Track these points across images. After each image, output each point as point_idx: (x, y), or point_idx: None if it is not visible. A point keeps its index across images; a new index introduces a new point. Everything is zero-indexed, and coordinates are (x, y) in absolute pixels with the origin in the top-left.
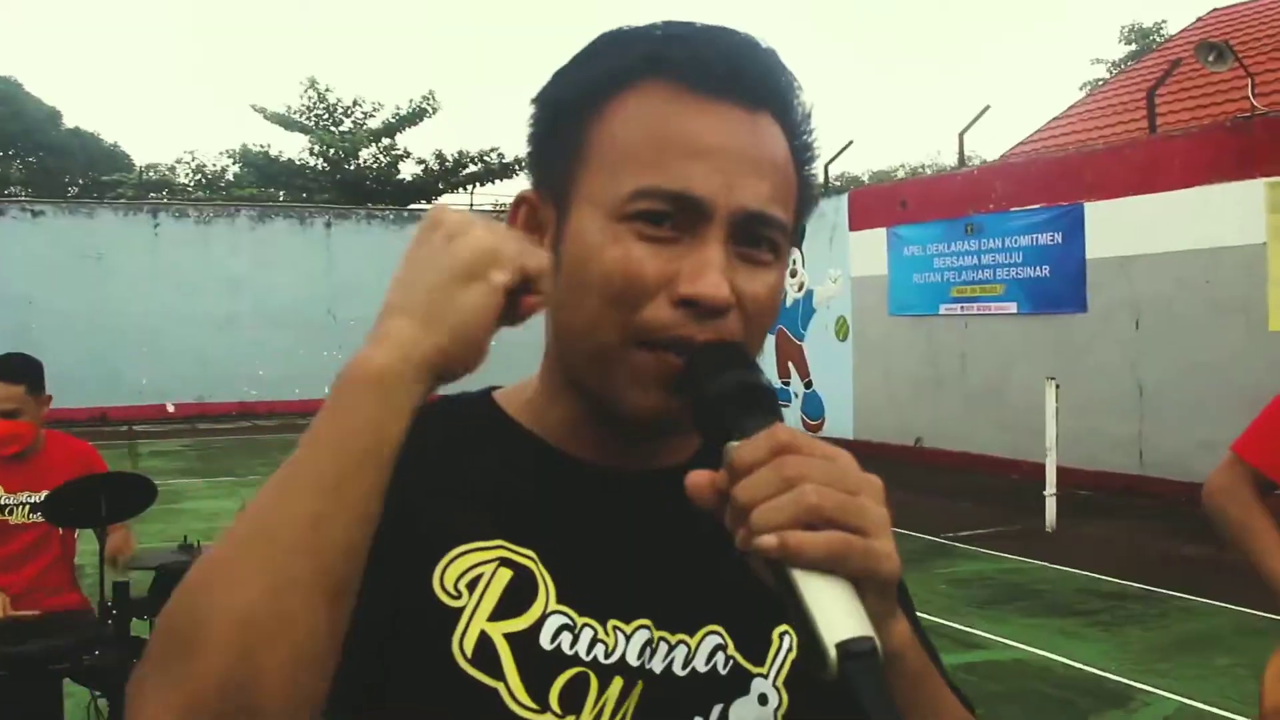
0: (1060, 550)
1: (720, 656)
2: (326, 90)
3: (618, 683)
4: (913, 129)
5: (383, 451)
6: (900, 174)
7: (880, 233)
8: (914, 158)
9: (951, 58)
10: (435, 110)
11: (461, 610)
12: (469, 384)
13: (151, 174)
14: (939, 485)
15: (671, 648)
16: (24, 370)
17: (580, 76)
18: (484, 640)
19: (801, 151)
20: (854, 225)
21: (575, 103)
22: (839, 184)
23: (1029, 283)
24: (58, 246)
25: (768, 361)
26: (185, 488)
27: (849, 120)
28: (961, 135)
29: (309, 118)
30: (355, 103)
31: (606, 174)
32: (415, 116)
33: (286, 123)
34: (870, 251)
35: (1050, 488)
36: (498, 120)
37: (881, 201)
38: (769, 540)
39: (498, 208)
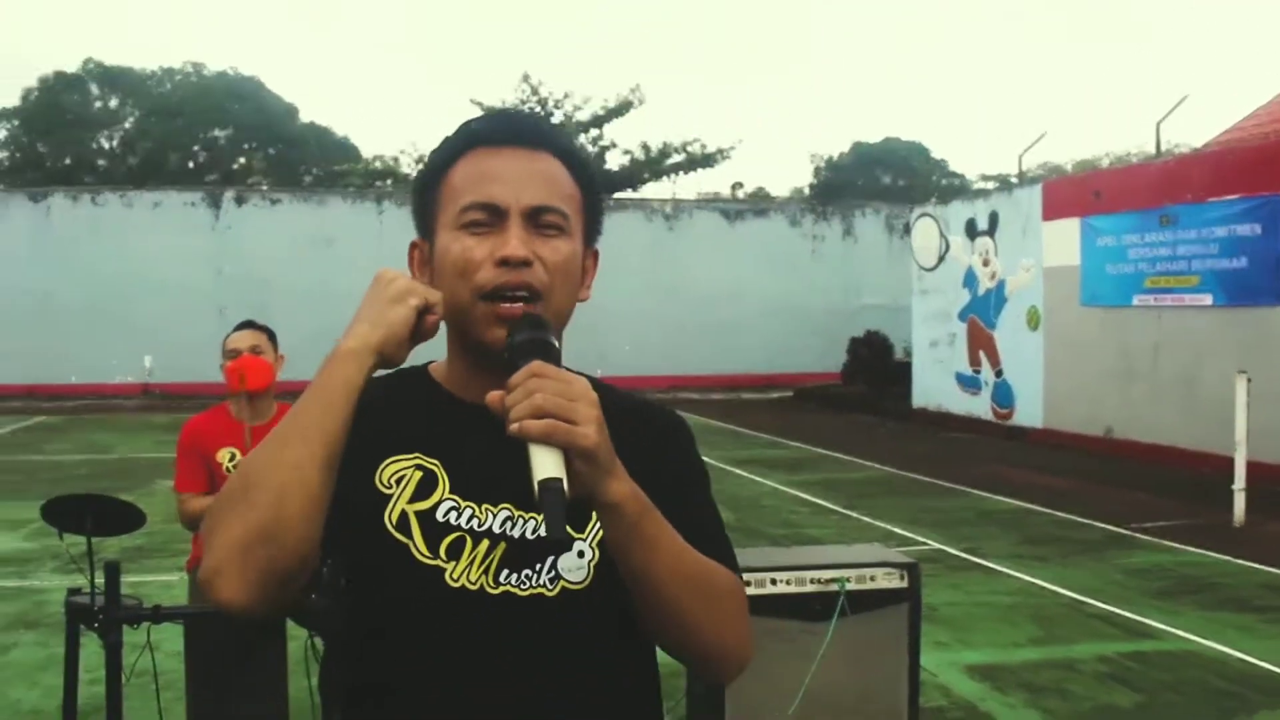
0: (1245, 546)
1: None
2: (539, 84)
3: (485, 543)
4: (1119, 116)
5: (350, 392)
6: (1105, 162)
7: (1074, 223)
8: (1119, 146)
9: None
10: (641, 102)
11: (391, 496)
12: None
13: (377, 164)
14: (1125, 476)
15: (525, 521)
16: (264, 327)
17: (434, 160)
18: (403, 515)
19: (577, 173)
20: (1047, 215)
21: (434, 176)
22: (1039, 173)
23: (1225, 274)
24: (293, 232)
25: (959, 350)
26: None
27: (1051, 107)
28: (1159, 125)
29: (523, 110)
30: (565, 96)
31: (449, 206)
32: (622, 109)
33: None
34: (1063, 242)
35: (1239, 482)
36: (700, 111)
37: (1075, 192)
38: (513, 427)
39: (701, 195)
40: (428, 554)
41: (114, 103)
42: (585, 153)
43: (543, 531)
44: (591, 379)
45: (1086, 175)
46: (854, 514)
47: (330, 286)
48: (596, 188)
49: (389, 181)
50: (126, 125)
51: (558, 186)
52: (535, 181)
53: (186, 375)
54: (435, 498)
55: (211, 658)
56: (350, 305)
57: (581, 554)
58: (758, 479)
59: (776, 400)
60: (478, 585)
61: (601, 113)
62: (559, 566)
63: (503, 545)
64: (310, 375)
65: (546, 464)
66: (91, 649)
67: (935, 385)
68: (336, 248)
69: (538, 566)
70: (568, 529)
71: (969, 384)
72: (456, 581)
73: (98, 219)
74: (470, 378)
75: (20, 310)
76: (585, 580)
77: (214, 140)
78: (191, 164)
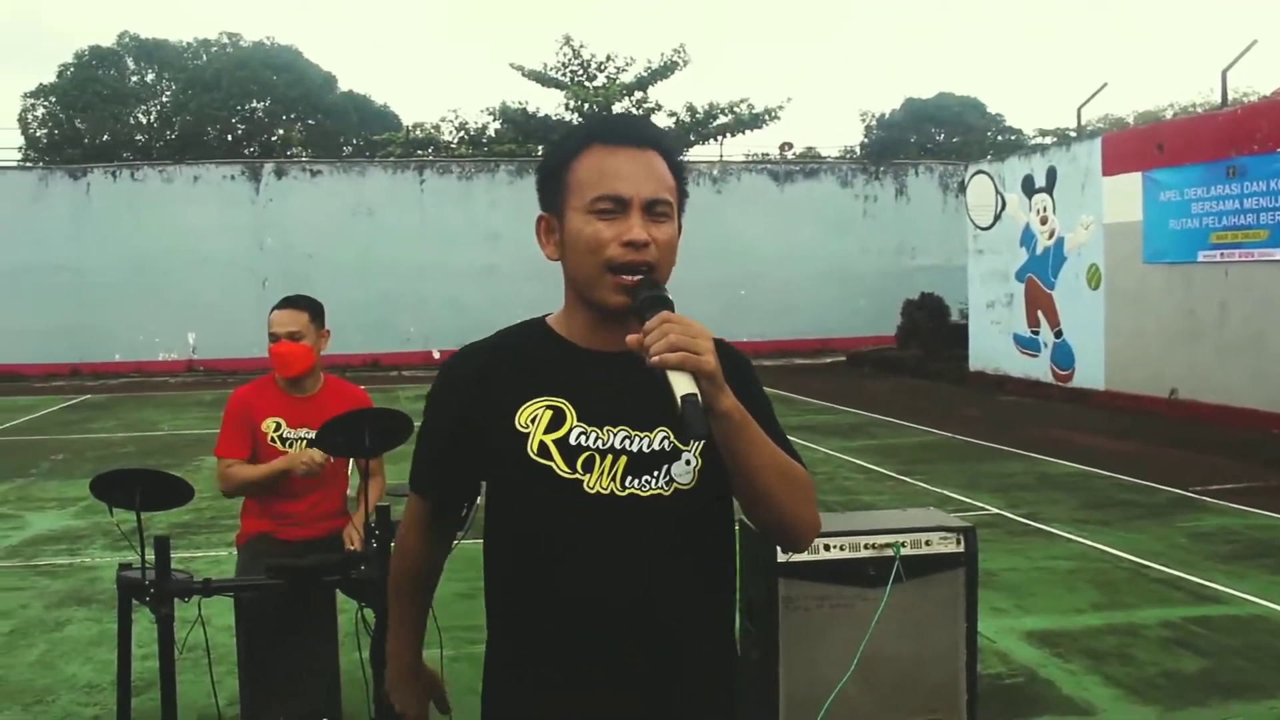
0: None
1: (666, 442)
2: (581, 46)
3: (609, 458)
4: (1183, 64)
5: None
6: (1169, 113)
7: (1135, 177)
8: (1184, 95)
9: None
10: (686, 63)
11: (529, 434)
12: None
13: (418, 132)
14: (1192, 438)
15: (640, 439)
16: (307, 303)
17: (558, 152)
18: (542, 445)
19: (674, 165)
20: (1107, 170)
21: (559, 164)
22: (1100, 126)
23: None
24: (334, 203)
25: (1016, 311)
26: None
27: (1112, 57)
28: (1225, 73)
29: (564, 74)
30: (609, 58)
31: (579, 193)
32: (666, 70)
33: (543, 79)
34: (1124, 197)
35: None
36: (747, 72)
37: (1136, 145)
38: (655, 359)
39: (748, 157)
40: (567, 469)
41: (150, 76)
42: (679, 147)
43: (656, 446)
44: None
45: (1148, 128)
46: (910, 479)
47: (372, 257)
48: (686, 177)
49: (429, 150)
50: (164, 99)
51: (664, 181)
52: (650, 177)
53: (230, 351)
54: (566, 427)
55: (262, 631)
56: (391, 276)
57: (688, 462)
58: (812, 445)
59: (829, 365)
60: (609, 490)
61: (645, 75)
62: (672, 472)
63: (624, 458)
64: (357, 348)
65: (684, 384)
66: (143, 624)
67: (992, 347)
68: (378, 218)
69: (654, 473)
70: (677, 442)
71: (1027, 345)
72: (592, 489)
73: (137, 195)
74: (590, 330)
75: (63, 288)
76: (692, 482)
77: (252, 112)
78: (230, 136)
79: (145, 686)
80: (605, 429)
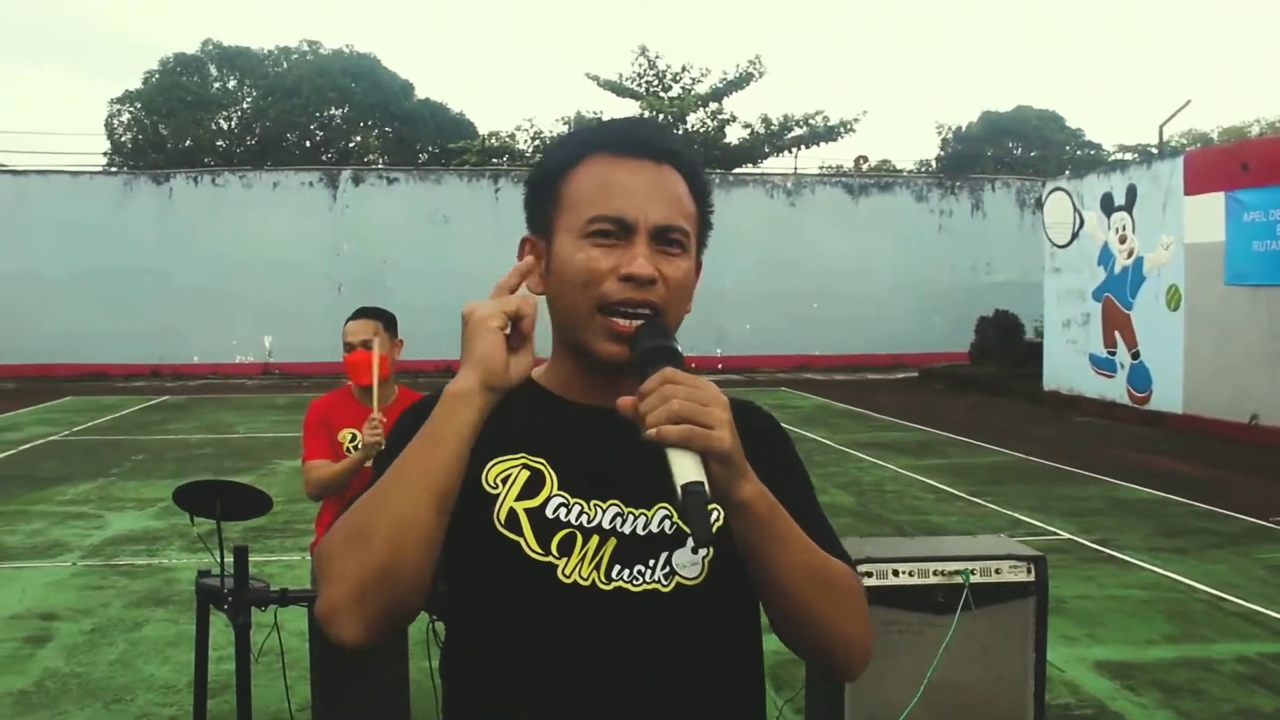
0: None
1: (668, 523)
2: (656, 57)
3: (595, 539)
4: (1270, 79)
5: (460, 437)
6: (1255, 130)
7: (1218, 197)
8: (1271, 111)
9: None
10: (761, 74)
11: (498, 496)
12: None
13: (493, 141)
14: (1272, 466)
15: (635, 518)
16: (380, 313)
17: (552, 159)
18: (512, 513)
19: (695, 185)
20: (1189, 190)
21: (551, 174)
22: (1183, 143)
23: None
24: (409, 210)
25: (1093, 330)
26: None
27: (1196, 71)
28: None
29: (639, 84)
30: (684, 68)
31: (572, 212)
32: (742, 81)
33: (618, 89)
34: (1206, 217)
35: None
36: (823, 81)
37: (1220, 164)
38: (651, 432)
39: (823, 169)
40: (539, 550)
41: (232, 83)
42: (702, 163)
43: (654, 528)
44: None
45: (1232, 146)
46: (981, 501)
47: (447, 264)
48: (710, 201)
49: (505, 159)
50: (244, 105)
51: (681, 204)
52: (662, 198)
53: (306, 355)
54: (544, 495)
55: (333, 650)
56: (467, 283)
57: (696, 550)
58: (881, 463)
59: (901, 381)
60: (589, 581)
61: (721, 85)
62: (674, 562)
63: (613, 541)
64: (429, 354)
65: (687, 468)
66: (218, 627)
67: (1068, 366)
68: (453, 225)
69: (651, 562)
70: (675, 519)
71: (1103, 366)
72: (568, 578)
73: (218, 200)
74: (576, 381)
75: (145, 291)
76: (700, 576)
77: (330, 119)
78: (308, 143)
79: (220, 689)
80: (592, 502)
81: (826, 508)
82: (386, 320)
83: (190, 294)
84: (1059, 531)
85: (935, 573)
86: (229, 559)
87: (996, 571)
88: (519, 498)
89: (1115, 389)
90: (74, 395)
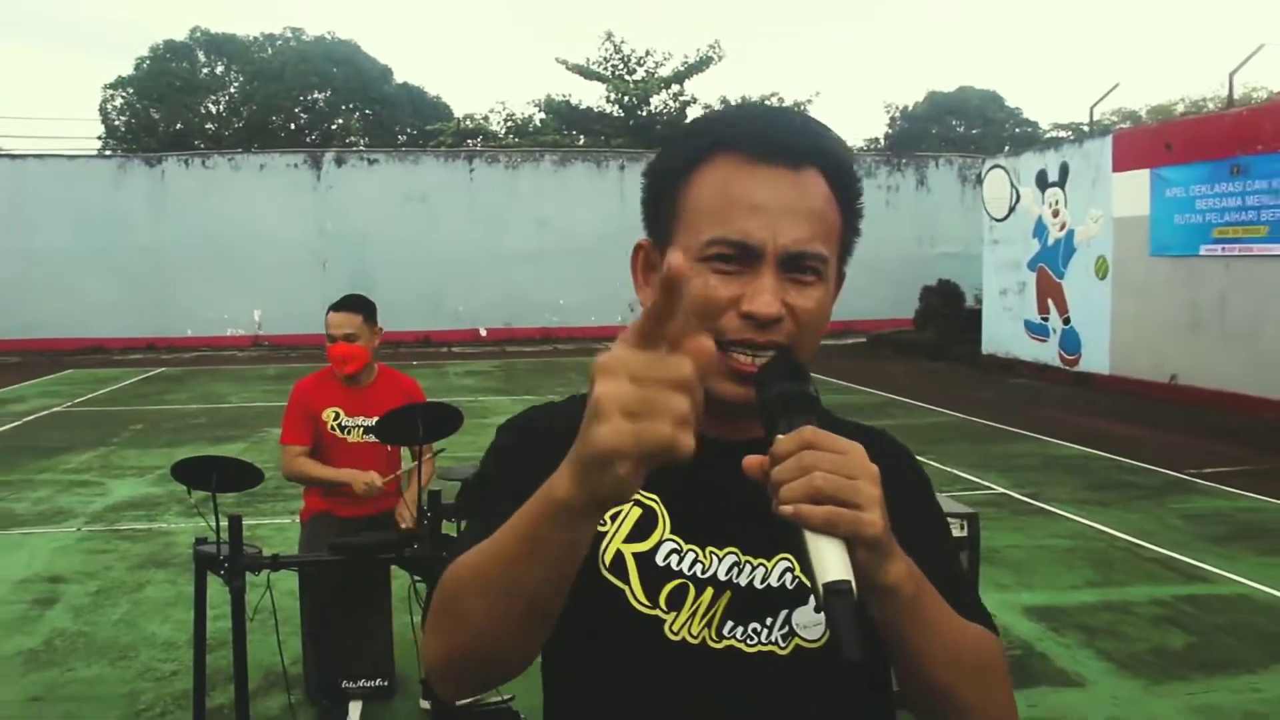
0: None
1: (789, 576)
2: (622, 42)
3: (709, 591)
4: (1195, 61)
5: (563, 550)
6: (1180, 108)
7: (1143, 174)
8: (1195, 91)
9: None
10: (720, 58)
11: (605, 534)
12: None
13: (468, 123)
14: (1189, 423)
15: (753, 568)
16: (361, 304)
17: (673, 157)
18: (618, 556)
19: (843, 190)
20: (1117, 167)
21: (670, 176)
22: (1114, 120)
23: None
24: (389, 190)
25: (1028, 298)
26: (493, 404)
27: (1127, 52)
28: (1232, 75)
29: (606, 68)
30: (648, 53)
31: (691, 228)
32: (702, 64)
33: (586, 73)
34: (1133, 193)
35: None
36: (778, 64)
37: (1146, 143)
38: (787, 509)
39: None
40: (646, 602)
41: (220, 69)
42: (851, 160)
43: (774, 581)
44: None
45: (1158, 127)
46: (923, 459)
47: (425, 241)
48: (858, 206)
49: (479, 140)
50: (232, 90)
51: (822, 222)
52: (798, 217)
53: (293, 327)
54: (655, 539)
55: (324, 600)
56: (443, 258)
57: (818, 608)
58: None
59: (851, 346)
60: (699, 639)
61: (683, 68)
62: (793, 622)
63: (728, 594)
64: (408, 326)
65: (831, 560)
66: (215, 588)
67: (1004, 332)
68: (431, 204)
69: (768, 620)
70: (804, 578)
71: (1037, 331)
72: (676, 634)
73: (208, 181)
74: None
75: (140, 269)
76: (823, 638)
77: (314, 102)
78: (293, 125)
79: (217, 645)
80: (707, 549)
81: None
82: (367, 311)
83: (183, 271)
84: (994, 486)
85: None
86: (224, 527)
87: None
88: (628, 539)
89: (1048, 353)
90: (74, 368)
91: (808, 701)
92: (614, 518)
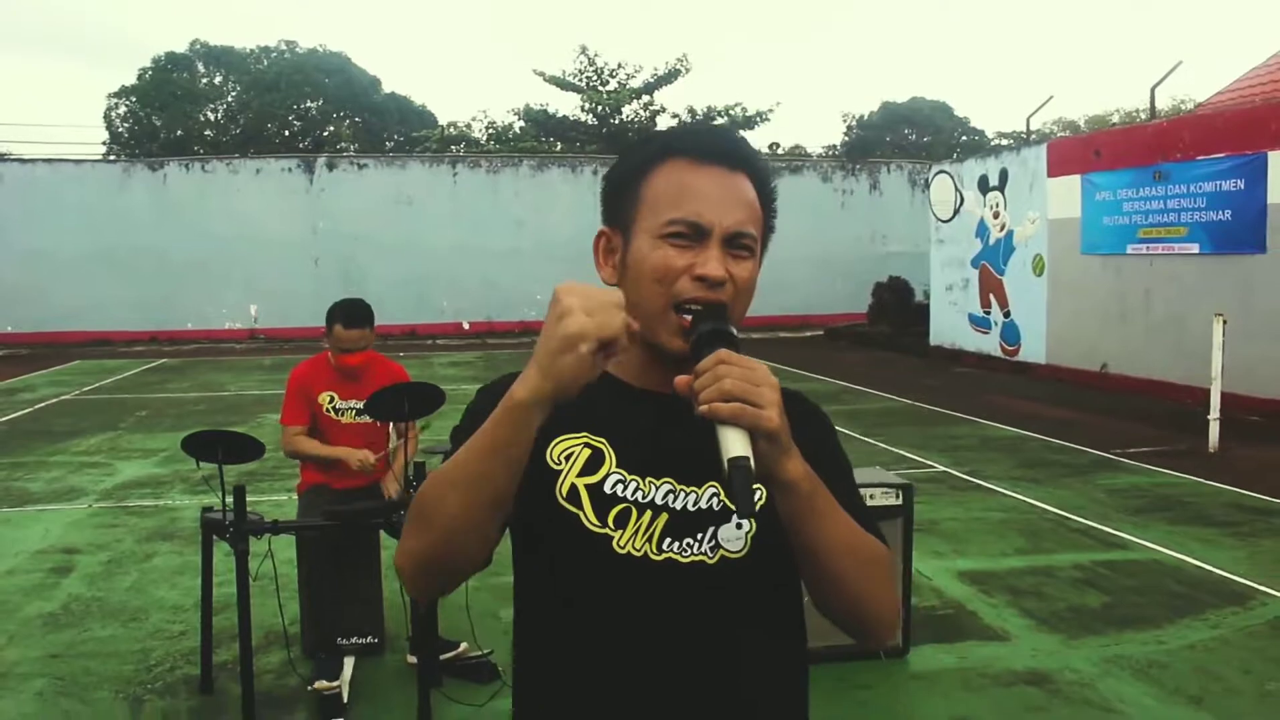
0: (1216, 469)
1: (715, 500)
2: (595, 55)
3: (649, 514)
4: (1129, 74)
5: (523, 445)
6: (1115, 118)
7: (1075, 179)
8: (1129, 102)
9: (1161, 4)
10: (688, 70)
11: (560, 471)
12: None
13: (452, 130)
14: (1118, 407)
15: (686, 494)
16: (367, 316)
17: (632, 161)
18: (573, 488)
19: (763, 191)
20: (1051, 172)
21: (631, 173)
22: (1053, 129)
23: (1211, 225)
24: (378, 193)
25: (971, 293)
26: (475, 390)
27: (1067, 64)
28: (1154, 89)
29: (580, 79)
30: (619, 65)
31: (651, 212)
32: (671, 76)
33: (562, 84)
34: (1066, 196)
35: (1214, 412)
36: (741, 75)
37: (1077, 151)
38: (704, 408)
39: None
40: (596, 523)
41: (218, 79)
42: (771, 171)
43: (703, 505)
44: None
45: (1088, 136)
46: (871, 440)
47: (412, 240)
48: (774, 207)
49: (462, 146)
50: (229, 99)
51: (751, 210)
52: (736, 205)
53: (287, 321)
54: (603, 472)
55: (319, 564)
56: (427, 258)
57: (740, 525)
58: None
59: (809, 339)
60: (642, 552)
61: (652, 80)
62: (719, 537)
63: (665, 516)
64: (396, 320)
65: (735, 444)
66: (219, 557)
67: (950, 325)
68: (416, 206)
69: (699, 536)
70: (722, 497)
71: (980, 324)
72: (622, 548)
73: (207, 184)
74: (641, 368)
75: (143, 266)
76: (743, 550)
77: (307, 111)
78: (287, 132)
79: (221, 608)
80: (647, 479)
81: None
82: (371, 321)
83: (184, 268)
84: (936, 465)
85: None
86: (229, 498)
87: (871, 497)
88: (580, 474)
89: (990, 343)
90: (81, 359)
91: (731, 601)
92: (568, 458)
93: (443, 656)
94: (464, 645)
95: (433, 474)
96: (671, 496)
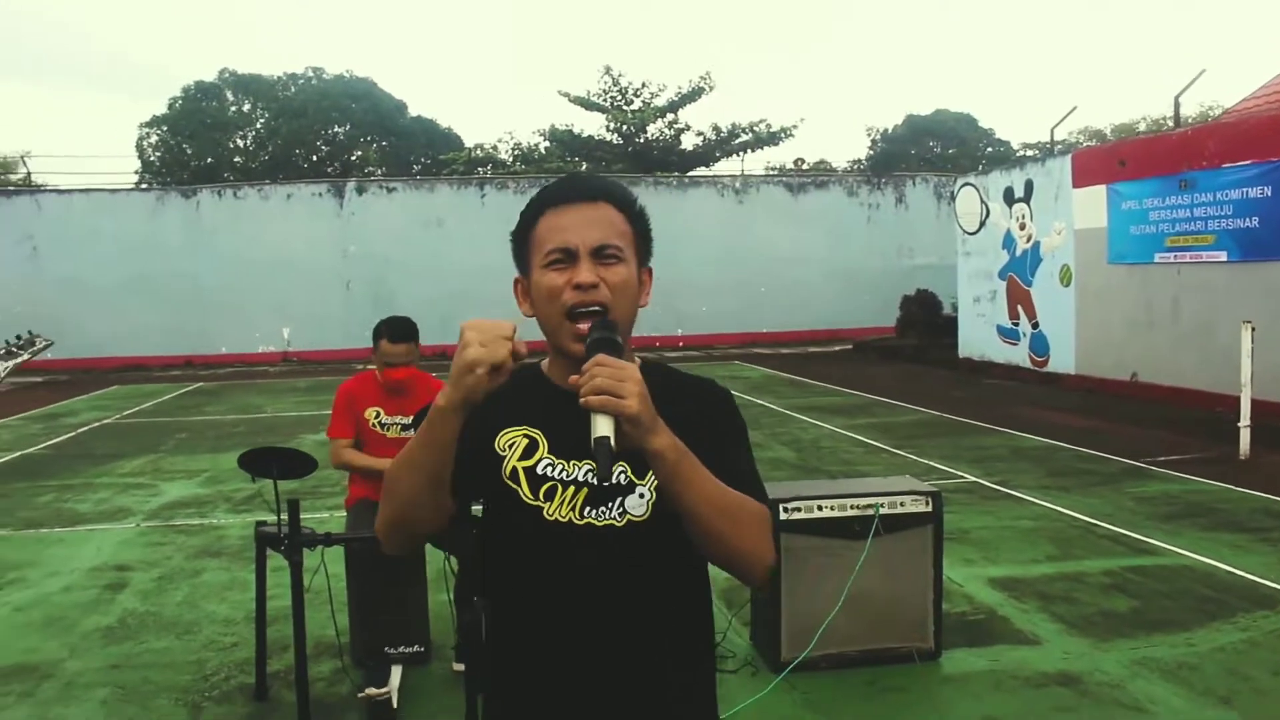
0: (1247, 476)
1: (623, 477)
2: (620, 75)
3: (572, 489)
4: (1159, 83)
5: (447, 439)
6: (1142, 126)
7: (1101, 189)
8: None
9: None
10: (711, 88)
11: (505, 457)
12: None
13: (479, 152)
14: (1148, 416)
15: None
16: (412, 332)
17: (522, 221)
18: (514, 470)
19: (628, 212)
20: (1077, 183)
21: (521, 231)
22: (1080, 139)
23: (1238, 233)
24: (407, 215)
25: (999, 305)
26: None
27: (1092, 73)
28: (1177, 98)
29: (605, 99)
30: (644, 84)
31: (538, 251)
32: (694, 94)
33: (587, 104)
34: (1092, 206)
35: (1245, 419)
36: (765, 91)
37: (1102, 160)
38: (581, 400)
39: (767, 170)
40: (531, 496)
41: (247, 106)
42: (634, 198)
43: (614, 481)
44: (659, 366)
45: (1113, 145)
46: (902, 452)
47: (441, 261)
48: (645, 224)
49: (489, 167)
50: (258, 126)
51: (614, 227)
52: (596, 226)
53: (319, 344)
54: (537, 457)
55: (368, 575)
56: (456, 278)
57: (642, 495)
58: (819, 423)
59: (838, 353)
60: (566, 519)
61: (676, 98)
62: (625, 505)
63: (585, 490)
64: (427, 341)
65: (600, 426)
66: (268, 571)
67: (978, 337)
68: (445, 228)
69: (610, 505)
70: (633, 477)
71: (1008, 335)
72: (551, 516)
73: (239, 210)
74: (564, 372)
75: (177, 292)
76: (645, 515)
77: (334, 136)
78: (315, 157)
79: (272, 620)
80: (571, 462)
81: (771, 462)
82: (416, 337)
83: (217, 293)
84: (966, 475)
85: (852, 506)
86: (284, 514)
87: (901, 504)
88: (520, 459)
89: (1019, 355)
90: (119, 384)
91: (638, 557)
92: (511, 446)
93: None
94: None
95: (393, 460)
96: (590, 475)
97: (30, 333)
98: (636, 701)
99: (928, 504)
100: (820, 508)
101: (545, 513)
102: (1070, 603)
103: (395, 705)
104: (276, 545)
